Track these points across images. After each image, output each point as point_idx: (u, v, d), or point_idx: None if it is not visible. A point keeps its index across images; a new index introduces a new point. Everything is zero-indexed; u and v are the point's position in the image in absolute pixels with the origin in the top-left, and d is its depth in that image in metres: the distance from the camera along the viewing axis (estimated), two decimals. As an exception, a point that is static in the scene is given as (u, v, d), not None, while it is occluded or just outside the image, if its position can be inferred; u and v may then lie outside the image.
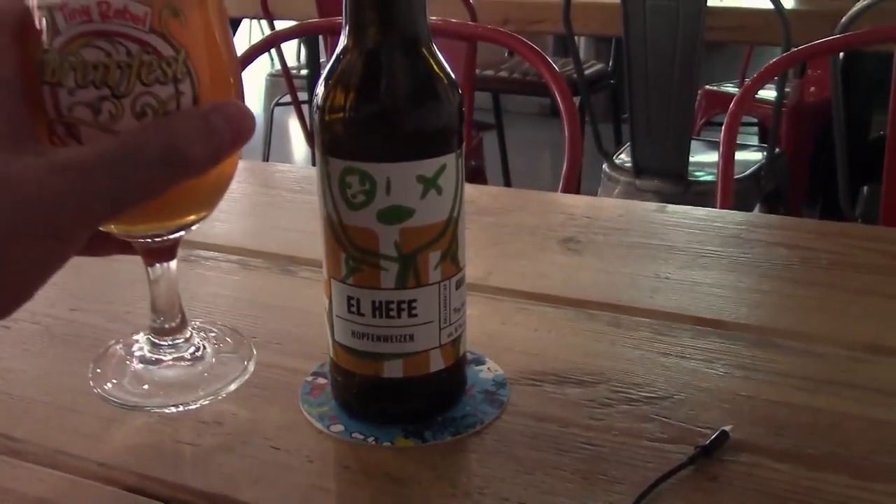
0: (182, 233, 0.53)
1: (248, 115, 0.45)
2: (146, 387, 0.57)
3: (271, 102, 3.63)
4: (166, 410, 0.55)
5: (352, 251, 0.52)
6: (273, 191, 0.96)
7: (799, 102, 2.96)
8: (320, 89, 0.51)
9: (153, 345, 0.57)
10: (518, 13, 2.62)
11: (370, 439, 0.54)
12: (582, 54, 3.82)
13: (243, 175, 1.00)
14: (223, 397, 0.56)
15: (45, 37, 0.45)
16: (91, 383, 0.57)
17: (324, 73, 0.52)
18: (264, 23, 2.98)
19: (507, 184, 3.52)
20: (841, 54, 1.97)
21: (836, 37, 1.44)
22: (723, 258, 0.78)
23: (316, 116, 0.51)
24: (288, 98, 2.80)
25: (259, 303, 0.73)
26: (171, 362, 0.57)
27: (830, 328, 0.66)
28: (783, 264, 0.77)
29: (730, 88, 3.28)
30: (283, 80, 2.79)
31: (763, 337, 0.65)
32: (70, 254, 0.42)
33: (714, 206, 2.22)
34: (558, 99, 1.13)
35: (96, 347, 0.66)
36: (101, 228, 0.48)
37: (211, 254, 0.81)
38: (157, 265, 0.55)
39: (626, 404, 0.57)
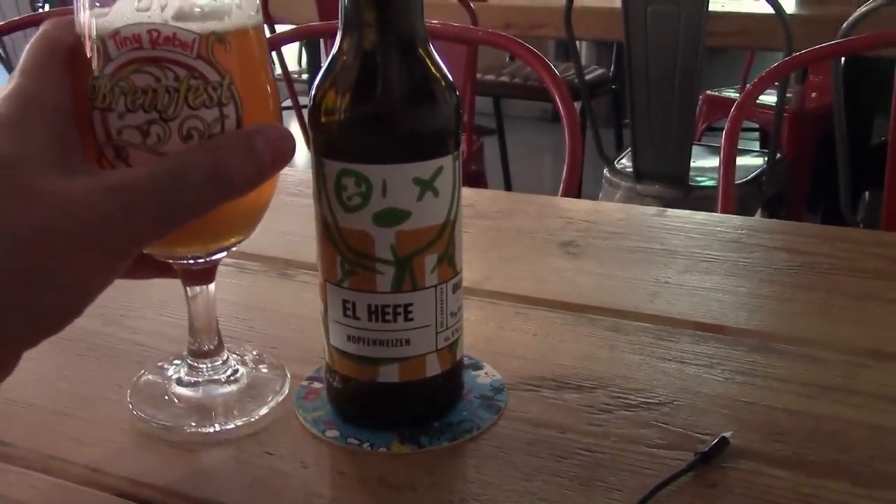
0: (222, 254, 0.54)
1: (289, 137, 0.47)
2: (183, 409, 0.57)
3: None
4: (203, 430, 0.55)
5: (347, 254, 0.51)
6: (271, 194, 0.95)
7: (800, 108, 2.96)
8: (315, 90, 0.51)
9: (190, 367, 0.58)
10: (520, 18, 2.62)
11: (366, 445, 0.54)
12: (583, 59, 3.81)
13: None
14: (256, 419, 0.56)
15: (96, 63, 0.47)
16: (130, 405, 0.57)
17: (320, 73, 0.51)
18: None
19: (508, 189, 3.52)
20: (842, 59, 1.97)
21: (838, 41, 1.44)
22: (723, 263, 0.78)
23: (311, 117, 0.51)
24: (288, 102, 2.80)
25: (255, 307, 0.72)
26: (207, 384, 0.58)
27: (831, 333, 0.66)
28: (784, 269, 0.77)
29: (731, 94, 3.28)
30: (283, 85, 2.79)
31: (763, 342, 0.64)
32: (119, 272, 0.43)
33: (715, 212, 2.22)
34: (559, 103, 1.13)
35: (91, 351, 0.65)
36: (143, 250, 0.49)
37: (208, 257, 0.81)
38: (197, 287, 0.56)
39: (626, 410, 0.56)
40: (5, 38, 2.55)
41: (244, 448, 0.54)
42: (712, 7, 2.12)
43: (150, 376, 0.60)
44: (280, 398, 0.58)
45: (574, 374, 0.61)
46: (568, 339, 0.66)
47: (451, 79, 0.51)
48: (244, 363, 0.60)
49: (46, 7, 2.90)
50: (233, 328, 0.67)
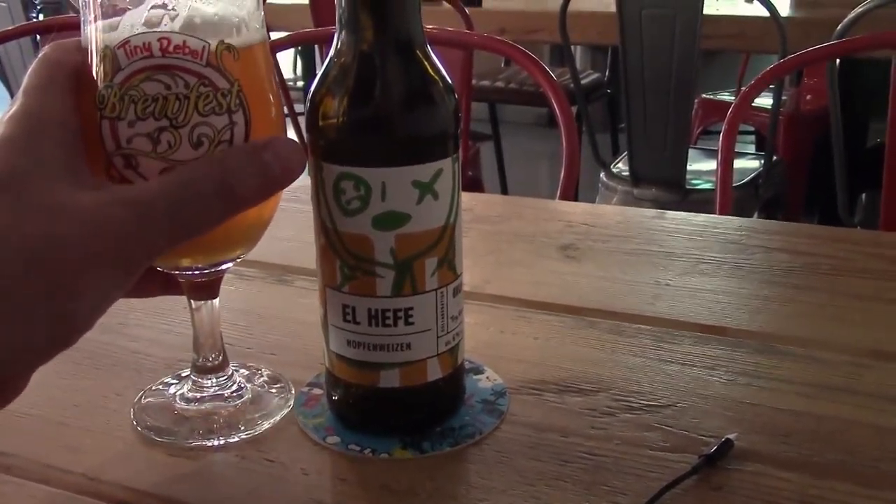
0: (228, 265, 0.54)
1: (298, 151, 0.47)
2: (188, 424, 0.56)
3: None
4: (206, 444, 0.55)
5: (346, 258, 0.51)
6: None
7: (796, 110, 2.96)
8: (313, 93, 0.50)
9: (195, 383, 0.58)
10: (515, 23, 2.62)
11: (367, 451, 0.53)
12: (578, 63, 3.81)
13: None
14: (259, 433, 0.55)
15: (105, 73, 0.47)
16: (134, 422, 0.57)
17: (317, 76, 0.51)
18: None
19: (505, 193, 3.52)
20: (837, 61, 1.97)
21: (833, 42, 1.44)
22: (723, 264, 0.78)
23: (309, 121, 0.50)
24: (284, 109, 2.80)
25: (254, 313, 0.72)
26: (212, 401, 0.57)
27: (832, 334, 0.65)
28: (784, 270, 0.76)
29: (726, 97, 3.28)
30: (278, 92, 2.78)
31: (765, 343, 0.64)
32: (129, 284, 0.43)
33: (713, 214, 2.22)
34: (555, 107, 1.13)
35: (89, 360, 0.65)
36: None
37: (205, 264, 0.80)
38: (201, 302, 0.55)
39: (628, 413, 0.56)
40: (6, 69, 2.56)
41: (245, 455, 0.53)
42: (707, 10, 2.12)
43: (154, 393, 0.59)
44: (282, 413, 0.57)
45: (576, 377, 0.60)
46: (569, 343, 0.65)
47: (449, 81, 0.51)
48: (248, 379, 0.60)
49: (41, 17, 2.90)
50: (231, 335, 0.66)
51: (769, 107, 2.34)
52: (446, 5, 2.61)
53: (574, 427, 0.55)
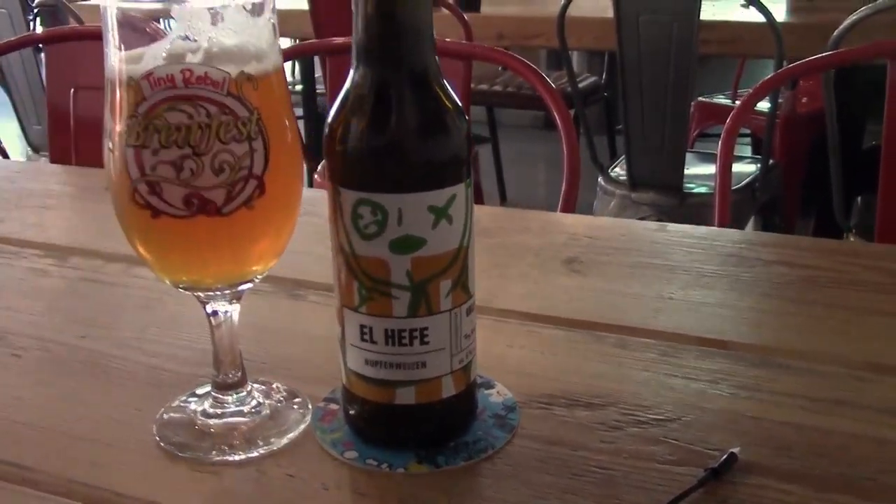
0: (247, 286, 0.57)
1: None
2: (209, 440, 0.58)
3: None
4: (228, 459, 0.56)
5: (364, 280, 0.52)
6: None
7: (791, 113, 2.98)
8: (331, 121, 0.52)
9: (215, 399, 0.59)
10: (513, 28, 2.64)
11: (384, 465, 0.55)
12: (575, 67, 3.83)
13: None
14: (278, 448, 0.57)
15: (128, 104, 0.49)
16: (156, 437, 0.58)
17: (334, 105, 0.52)
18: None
19: (503, 195, 3.53)
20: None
21: (832, 52, 1.46)
22: (724, 277, 0.79)
23: (327, 148, 0.52)
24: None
25: (267, 328, 0.73)
26: (232, 416, 0.59)
27: (832, 348, 0.67)
28: (783, 283, 0.78)
29: (722, 100, 3.30)
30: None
31: (766, 357, 0.66)
32: None
33: (711, 218, 2.24)
34: (558, 120, 1.14)
35: (105, 374, 0.67)
36: (167, 280, 0.54)
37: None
38: (221, 316, 0.57)
39: (636, 427, 0.58)
40: (9, 80, 2.56)
41: (265, 471, 0.55)
42: (703, 15, 2.14)
43: (175, 409, 0.61)
44: (300, 429, 0.59)
45: (584, 391, 0.62)
46: (576, 357, 0.67)
47: (460, 106, 0.53)
48: (266, 394, 0.61)
49: (38, 21, 2.90)
50: (246, 350, 0.67)
51: (765, 110, 2.36)
52: (445, 11, 2.63)
53: (583, 441, 0.56)
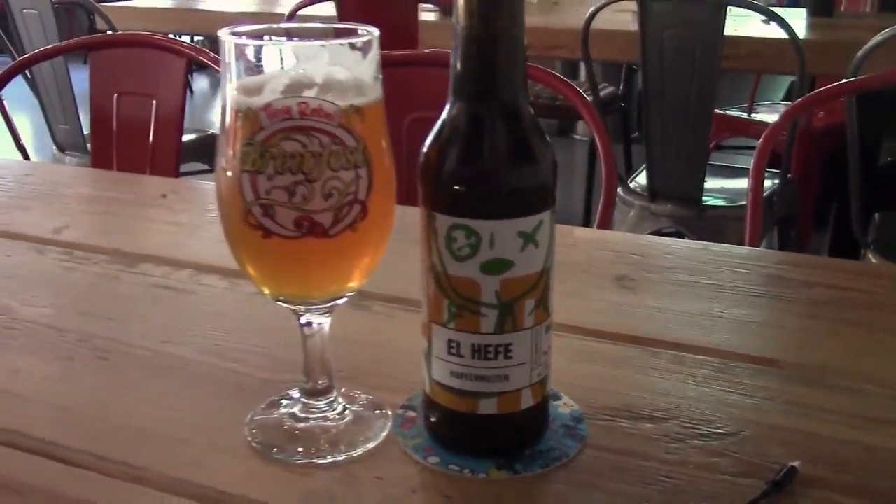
0: (344, 299, 0.62)
1: None
2: (299, 443, 0.62)
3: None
4: (318, 461, 0.60)
5: (455, 299, 0.57)
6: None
7: (808, 127, 3.02)
8: (428, 150, 0.56)
9: (304, 404, 0.64)
10: (537, 39, 2.68)
11: (466, 471, 0.59)
12: (586, 74, 3.87)
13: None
14: (362, 452, 0.61)
15: (245, 132, 0.52)
16: (249, 439, 0.62)
17: (431, 135, 0.56)
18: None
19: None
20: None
21: (859, 78, 1.49)
22: (768, 297, 0.83)
23: (423, 176, 0.56)
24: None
25: (336, 337, 0.77)
26: (320, 421, 0.63)
27: (874, 368, 0.71)
28: (825, 303, 0.82)
29: (738, 113, 3.34)
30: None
31: (815, 376, 0.70)
32: None
33: (729, 231, 2.27)
34: (598, 142, 1.19)
35: (193, 380, 0.71)
36: (268, 292, 0.58)
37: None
38: (315, 326, 0.61)
39: (698, 440, 0.62)
40: (34, 68, 2.59)
41: (356, 473, 0.59)
42: (725, 31, 2.18)
43: (265, 413, 0.65)
44: (383, 435, 0.62)
45: (646, 404, 0.66)
46: (635, 372, 0.71)
47: (546, 136, 0.57)
48: (350, 401, 0.65)
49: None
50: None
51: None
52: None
53: (650, 452, 0.60)
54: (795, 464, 0.58)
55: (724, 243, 0.95)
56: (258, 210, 0.54)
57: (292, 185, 0.53)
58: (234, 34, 0.54)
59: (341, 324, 0.80)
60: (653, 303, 0.82)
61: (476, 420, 0.59)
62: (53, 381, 0.70)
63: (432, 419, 0.62)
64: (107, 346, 0.75)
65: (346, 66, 0.54)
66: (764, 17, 2.38)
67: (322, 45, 0.54)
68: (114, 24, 2.75)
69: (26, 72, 2.70)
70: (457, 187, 0.55)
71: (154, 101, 1.59)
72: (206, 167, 2.91)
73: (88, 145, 2.69)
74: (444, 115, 0.56)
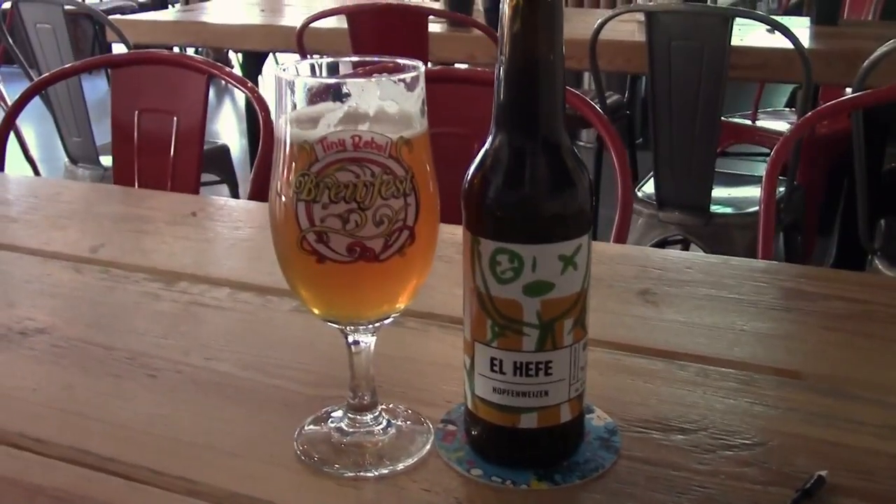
0: (392, 318, 0.64)
1: None
2: (347, 457, 0.65)
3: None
4: (366, 474, 0.63)
5: (497, 319, 0.60)
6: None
7: (812, 135, 3.05)
8: (471, 177, 0.59)
9: (350, 419, 0.66)
10: (545, 50, 2.70)
11: (508, 482, 0.62)
12: (594, 84, 3.91)
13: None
14: (407, 465, 0.64)
15: (300, 163, 0.55)
16: (299, 453, 0.65)
17: (474, 163, 0.59)
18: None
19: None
20: (849, 89, 2.06)
21: (866, 92, 1.52)
22: (788, 311, 0.86)
23: (468, 202, 0.59)
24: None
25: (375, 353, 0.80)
26: (366, 435, 0.66)
27: (894, 380, 0.74)
28: (844, 316, 0.85)
29: (742, 120, 3.37)
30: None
31: (836, 387, 0.73)
32: None
33: (737, 239, 2.29)
34: (614, 158, 1.22)
35: (237, 394, 0.74)
36: (318, 313, 0.61)
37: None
38: (362, 344, 0.64)
39: (727, 450, 0.65)
40: (49, 90, 2.61)
41: (403, 486, 0.62)
42: (733, 42, 2.21)
43: (312, 428, 0.68)
44: (426, 448, 0.65)
45: (676, 416, 0.69)
46: (663, 385, 0.74)
47: (584, 164, 0.60)
48: (393, 415, 0.68)
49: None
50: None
51: (785, 131, 2.43)
52: (477, 32, 2.70)
53: (683, 462, 0.63)
54: (823, 473, 0.61)
55: (732, 251, 0.98)
56: (312, 237, 0.57)
57: (346, 213, 0.56)
58: (290, 70, 0.57)
59: (377, 340, 0.83)
60: (677, 317, 0.85)
61: (517, 434, 0.62)
62: (106, 397, 0.73)
63: (474, 433, 0.65)
64: (154, 364, 0.78)
65: (396, 100, 0.57)
66: (768, 27, 2.41)
67: (374, 81, 0.57)
68: (126, 38, 2.78)
69: (38, 85, 2.74)
70: (501, 214, 0.58)
71: (175, 118, 1.62)
72: (216, 178, 2.95)
73: (101, 157, 2.76)
74: (486, 144, 0.59)
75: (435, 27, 2.84)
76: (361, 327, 0.63)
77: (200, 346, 0.81)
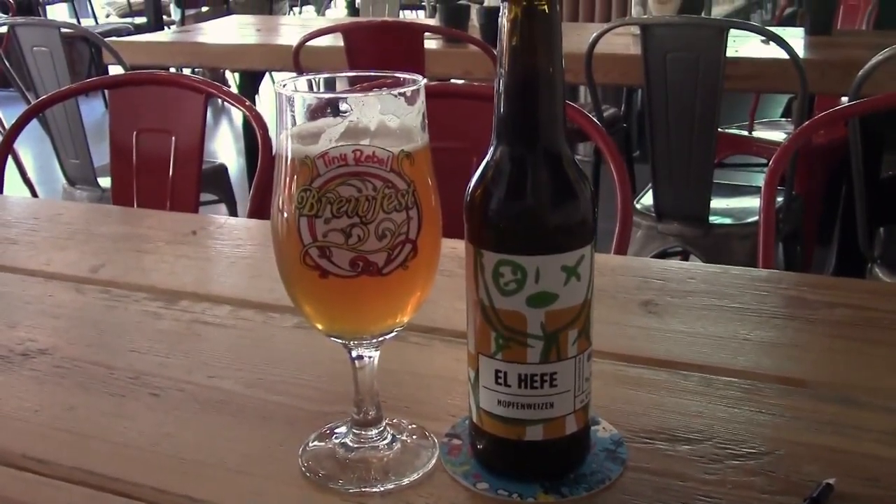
0: (395, 333, 0.64)
1: None
2: (352, 472, 0.64)
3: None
4: (371, 490, 0.63)
5: (501, 331, 0.59)
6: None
7: (808, 144, 3.05)
8: (473, 190, 0.59)
9: (355, 434, 0.66)
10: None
11: (514, 495, 0.62)
12: (590, 98, 3.92)
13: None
14: (413, 480, 0.63)
15: (302, 178, 0.55)
16: (304, 470, 0.65)
17: (475, 176, 0.59)
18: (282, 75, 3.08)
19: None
20: (844, 98, 2.06)
21: (862, 101, 1.53)
22: (792, 319, 0.86)
23: (470, 215, 0.59)
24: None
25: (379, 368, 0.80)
26: (371, 450, 0.66)
27: (900, 385, 0.74)
28: (848, 324, 0.85)
29: (738, 131, 3.38)
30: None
31: (841, 394, 0.73)
32: None
33: (736, 249, 2.29)
34: (613, 170, 1.22)
35: (241, 412, 0.73)
36: (322, 328, 0.60)
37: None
38: (365, 359, 0.64)
39: (734, 460, 0.64)
40: (47, 112, 2.60)
41: (410, 501, 0.61)
42: (729, 53, 2.22)
43: (317, 444, 0.68)
44: (432, 463, 0.65)
45: (681, 427, 0.69)
46: (667, 395, 0.74)
47: (586, 175, 0.60)
48: (398, 430, 0.68)
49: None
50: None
51: (782, 140, 2.43)
52: (472, 47, 2.71)
53: (690, 473, 0.63)
54: (831, 481, 0.60)
55: (732, 262, 0.98)
56: (315, 252, 0.56)
57: (348, 227, 0.56)
58: (290, 86, 0.57)
59: (381, 355, 0.83)
60: (679, 327, 0.85)
61: (523, 446, 0.62)
62: (109, 417, 0.73)
63: (480, 446, 0.64)
64: (156, 383, 0.78)
65: (396, 114, 0.57)
66: (763, 38, 2.42)
67: (375, 96, 0.57)
68: (122, 59, 2.79)
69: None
70: (504, 226, 0.58)
71: (173, 137, 1.62)
72: (214, 197, 2.95)
73: (99, 179, 2.76)
74: (487, 156, 0.59)
75: (430, 43, 2.85)
76: (365, 342, 0.63)
77: (203, 364, 0.81)
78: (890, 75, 1.87)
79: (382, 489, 0.63)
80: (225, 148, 5.27)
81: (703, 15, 3.08)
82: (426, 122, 0.60)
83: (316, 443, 0.68)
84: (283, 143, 0.57)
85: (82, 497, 0.63)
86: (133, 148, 1.66)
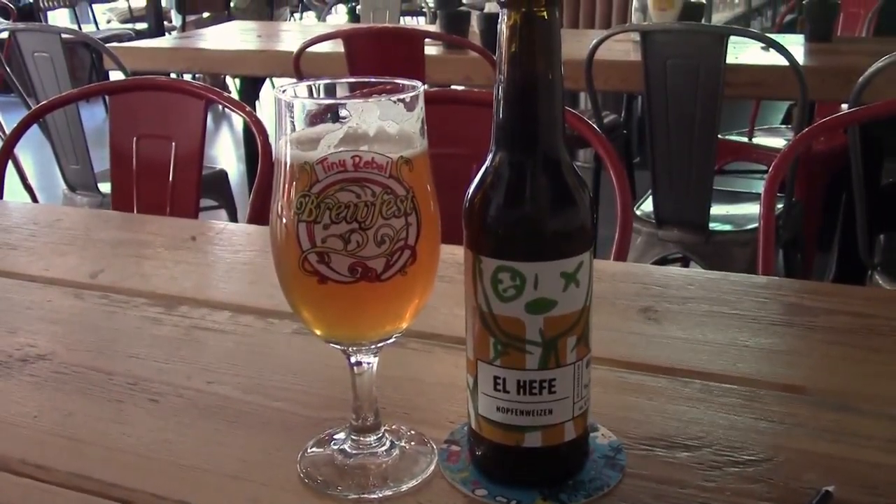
0: (394, 338, 0.64)
1: None
2: (350, 479, 0.64)
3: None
4: (370, 496, 0.62)
5: (500, 337, 0.59)
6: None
7: (808, 150, 3.05)
8: (472, 196, 0.59)
9: (353, 441, 0.66)
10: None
11: (513, 502, 0.61)
12: (590, 104, 3.92)
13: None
14: (409, 488, 0.63)
15: (301, 184, 0.55)
16: (301, 476, 0.65)
17: (474, 182, 0.59)
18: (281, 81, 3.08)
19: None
20: (845, 105, 2.07)
21: (862, 108, 1.53)
22: (791, 325, 0.86)
23: (469, 221, 0.59)
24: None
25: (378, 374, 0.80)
26: (369, 457, 0.65)
27: (900, 392, 0.74)
28: (847, 331, 0.85)
29: (738, 137, 3.38)
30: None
31: (841, 401, 0.72)
32: None
33: (737, 256, 2.29)
34: (613, 177, 1.22)
35: (239, 418, 0.73)
36: (321, 334, 0.60)
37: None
38: (364, 365, 0.64)
39: (733, 467, 0.64)
40: (47, 118, 2.60)
41: (408, 507, 0.61)
42: (729, 60, 2.22)
43: (315, 450, 0.67)
44: (430, 469, 0.65)
45: (680, 433, 0.69)
46: (667, 402, 0.74)
47: (585, 181, 0.60)
48: (396, 436, 0.68)
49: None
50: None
51: (782, 147, 2.44)
52: (473, 54, 2.71)
53: (689, 479, 0.63)
54: (830, 488, 0.60)
55: (732, 268, 0.98)
56: (314, 257, 0.56)
57: (347, 233, 0.56)
58: (289, 91, 0.58)
59: (380, 361, 0.83)
60: (679, 333, 0.85)
61: (521, 453, 0.62)
62: (108, 423, 0.73)
63: (478, 453, 0.64)
64: (155, 388, 0.78)
65: (395, 120, 0.57)
66: (763, 45, 2.42)
67: (374, 101, 0.57)
68: (123, 65, 2.79)
69: (37, 113, 2.74)
70: (502, 232, 0.58)
71: (173, 143, 1.62)
72: (214, 203, 2.95)
73: (99, 184, 2.76)
74: (486, 162, 0.59)
75: (431, 50, 2.85)
76: (364, 348, 0.63)
77: (202, 370, 0.81)
78: (890, 82, 1.87)
79: (381, 495, 0.63)
80: (225, 153, 5.27)
81: (703, 22, 3.08)
82: (425, 128, 0.60)
83: (314, 449, 0.68)
84: (283, 149, 0.57)
85: (80, 502, 0.63)
86: (133, 153, 1.66)
